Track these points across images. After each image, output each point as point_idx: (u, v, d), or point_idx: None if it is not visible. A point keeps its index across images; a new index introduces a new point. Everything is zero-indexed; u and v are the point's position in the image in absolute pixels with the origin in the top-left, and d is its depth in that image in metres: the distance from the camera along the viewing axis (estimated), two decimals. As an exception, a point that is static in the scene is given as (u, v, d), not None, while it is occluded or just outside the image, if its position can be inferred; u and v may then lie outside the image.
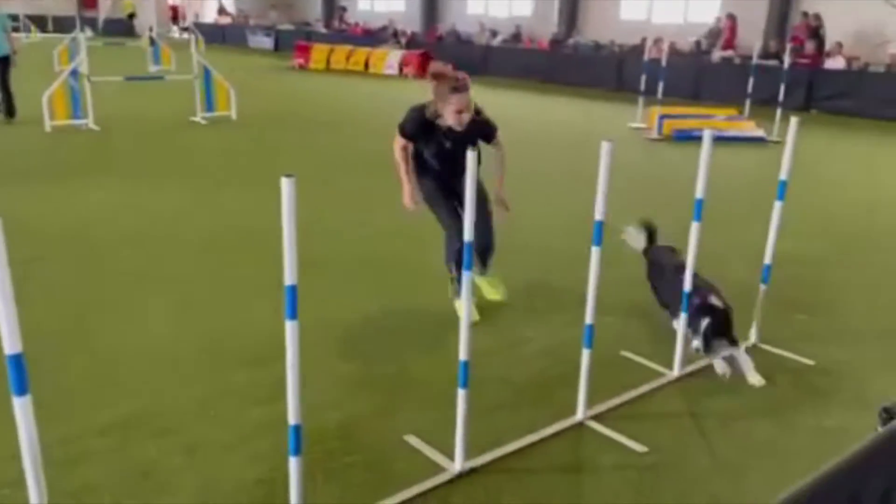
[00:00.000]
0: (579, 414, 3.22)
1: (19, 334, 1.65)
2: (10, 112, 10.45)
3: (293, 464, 2.27)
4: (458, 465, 2.81)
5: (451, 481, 2.77)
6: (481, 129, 4.03)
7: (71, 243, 5.47)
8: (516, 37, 23.57)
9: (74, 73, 10.37)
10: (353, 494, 2.68)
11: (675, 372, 3.67)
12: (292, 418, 2.22)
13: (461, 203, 3.93)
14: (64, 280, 4.74)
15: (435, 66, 3.94)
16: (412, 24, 27.00)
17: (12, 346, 1.64)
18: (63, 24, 29.75)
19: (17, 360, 1.66)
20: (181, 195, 7.01)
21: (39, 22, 30.05)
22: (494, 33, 23.90)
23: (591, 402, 3.25)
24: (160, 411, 3.21)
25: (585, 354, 3.16)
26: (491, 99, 16.79)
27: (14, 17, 17.20)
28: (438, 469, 2.83)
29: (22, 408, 1.73)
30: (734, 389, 3.55)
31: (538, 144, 10.42)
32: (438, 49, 22.27)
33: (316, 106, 14.26)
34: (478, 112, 4.01)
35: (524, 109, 14.89)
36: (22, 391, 1.70)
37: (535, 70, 19.96)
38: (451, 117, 3.85)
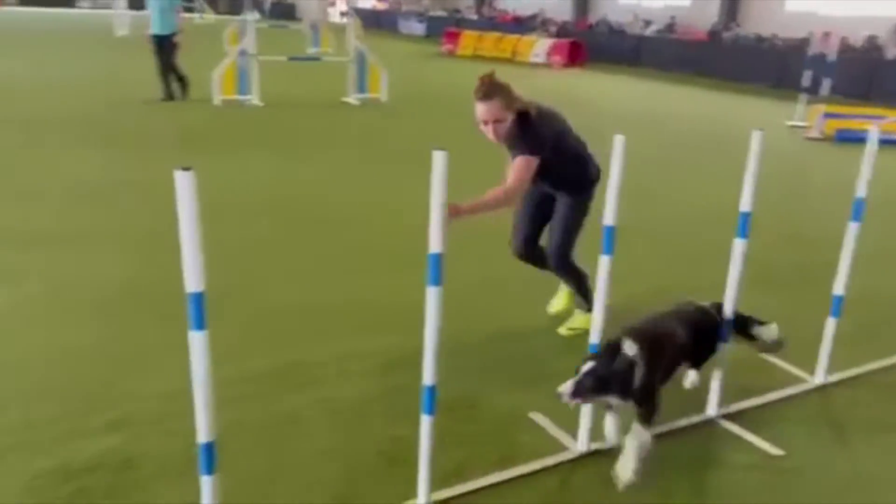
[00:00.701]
0: (712, 411, 3.17)
1: (203, 276, 1.86)
2: (183, 88, 11.11)
3: (425, 421, 2.39)
4: (581, 444, 2.85)
5: (573, 460, 2.82)
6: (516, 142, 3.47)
7: (230, 207, 5.92)
8: (670, 27, 22.81)
9: (243, 52, 11.12)
10: (478, 460, 2.78)
11: (819, 379, 3.51)
12: (428, 379, 2.34)
13: (539, 209, 3.89)
14: (226, 239, 5.15)
15: (490, 71, 3.45)
16: (563, 13, 26.75)
17: (196, 285, 1.86)
18: (234, 6, 31.84)
19: (198, 297, 1.87)
20: (331, 169, 7.40)
21: (213, 3, 32.42)
22: (647, 23, 23.25)
23: (725, 401, 3.18)
24: (306, 365, 3.46)
25: (722, 350, 3.10)
26: (642, 89, 16.44)
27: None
28: (561, 448, 2.88)
29: (199, 342, 1.95)
30: (882, 401, 3.35)
31: (685, 135, 10.08)
32: (589, 38, 21.95)
33: (462, 91, 14.45)
34: (526, 118, 3.46)
35: (675, 101, 14.43)
36: (200, 326, 1.91)
37: (689, 62, 19.30)
38: (480, 125, 3.55)
